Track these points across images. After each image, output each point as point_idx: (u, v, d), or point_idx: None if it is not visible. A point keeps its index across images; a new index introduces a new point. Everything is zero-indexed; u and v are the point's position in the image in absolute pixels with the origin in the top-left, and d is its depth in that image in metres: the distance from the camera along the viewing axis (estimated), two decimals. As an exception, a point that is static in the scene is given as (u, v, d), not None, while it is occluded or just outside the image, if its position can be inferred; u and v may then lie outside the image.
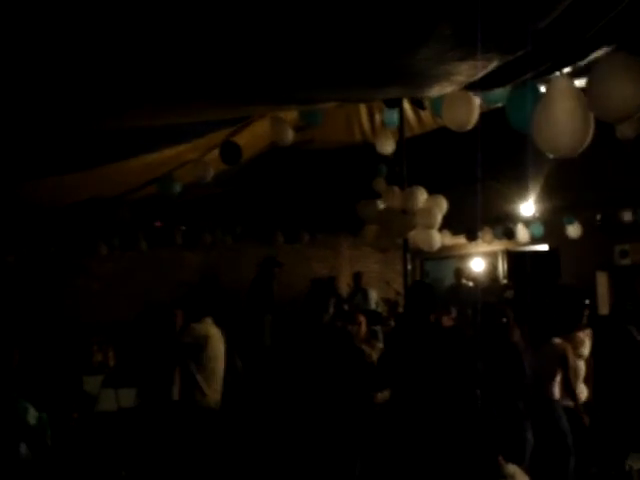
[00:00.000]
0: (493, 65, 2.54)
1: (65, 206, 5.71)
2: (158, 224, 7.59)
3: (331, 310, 4.67)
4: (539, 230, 8.67)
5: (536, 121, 2.58)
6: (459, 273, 10.26)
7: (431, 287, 4.30)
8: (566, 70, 2.65)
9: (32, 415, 3.33)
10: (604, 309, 8.26)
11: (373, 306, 8.83)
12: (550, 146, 2.61)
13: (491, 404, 3.23)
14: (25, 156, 4.00)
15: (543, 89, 2.88)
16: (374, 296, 9.28)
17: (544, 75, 2.74)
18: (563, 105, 2.47)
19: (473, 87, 2.99)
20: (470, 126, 3.52)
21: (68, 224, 6.87)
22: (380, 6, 1.96)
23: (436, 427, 3.29)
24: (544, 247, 10.16)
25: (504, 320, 4.22)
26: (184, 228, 8.59)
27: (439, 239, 4.96)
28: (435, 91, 2.99)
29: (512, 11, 2.06)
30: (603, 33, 2.27)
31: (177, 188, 5.52)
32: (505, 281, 10.68)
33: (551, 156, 2.68)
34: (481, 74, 2.67)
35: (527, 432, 3.75)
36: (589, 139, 2.52)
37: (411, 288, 4.38)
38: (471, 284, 10.18)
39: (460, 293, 9.74)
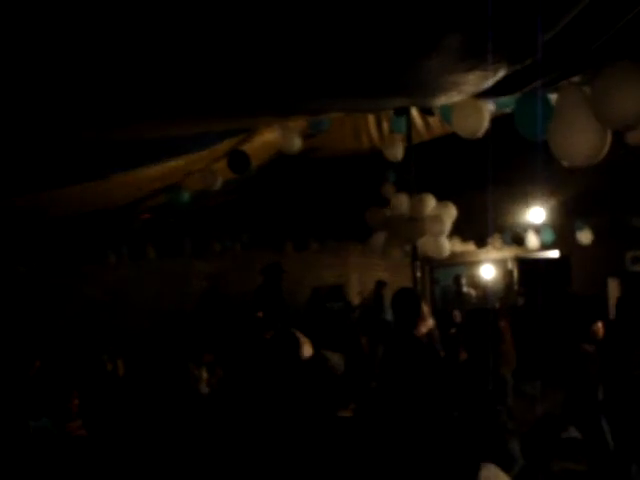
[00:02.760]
0: (501, 75, 2.53)
1: (75, 216, 5.74)
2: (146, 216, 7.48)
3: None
4: (549, 236, 8.62)
5: (551, 130, 2.57)
6: (458, 280, 10.31)
7: (415, 295, 3.87)
8: (575, 79, 2.64)
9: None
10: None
11: (390, 316, 8.76)
12: (566, 155, 2.60)
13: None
14: (35, 168, 4.03)
15: (552, 97, 2.88)
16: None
17: (553, 83, 2.72)
18: (578, 114, 2.46)
19: (481, 95, 2.97)
20: (480, 134, 3.51)
21: (77, 233, 6.90)
22: (387, 18, 1.96)
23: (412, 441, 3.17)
24: (554, 253, 10.11)
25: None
26: (172, 220, 8.40)
27: (448, 246, 4.93)
28: (443, 100, 2.99)
29: (520, 22, 2.05)
30: (611, 43, 2.25)
31: (186, 197, 5.53)
32: (516, 287, 10.66)
33: (567, 165, 2.66)
34: (489, 83, 2.66)
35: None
36: (606, 148, 2.50)
37: (394, 298, 3.80)
38: (472, 291, 10.23)
39: (462, 301, 9.78)
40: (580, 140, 2.49)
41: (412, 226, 4.67)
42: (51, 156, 3.90)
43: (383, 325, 6.98)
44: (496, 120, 3.61)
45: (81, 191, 4.78)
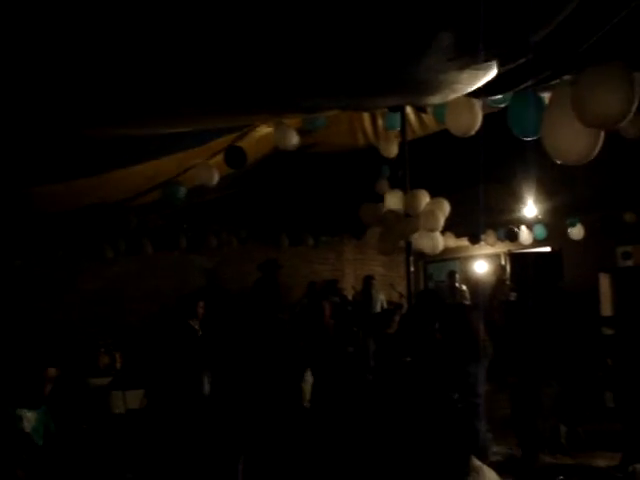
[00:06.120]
0: (494, 73, 2.55)
1: (72, 211, 5.76)
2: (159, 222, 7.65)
3: None
4: (542, 232, 8.69)
5: (545, 129, 2.61)
6: (452, 276, 10.34)
7: (436, 295, 4.08)
8: (567, 77, 2.64)
9: (27, 419, 3.25)
10: (607, 311, 8.28)
11: (379, 309, 8.82)
12: (560, 154, 2.64)
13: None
14: (33, 162, 4.03)
15: (545, 95, 2.92)
16: (381, 299, 9.26)
17: (545, 82, 2.75)
18: (570, 113, 2.47)
19: (474, 94, 3.01)
20: (473, 132, 3.55)
21: (75, 228, 6.92)
22: (380, 17, 1.98)
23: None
24: (547, 249, 10.18)
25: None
26: (186, 226, 8.61)
27: (442, 242, 4.98)
28: (436, 99, 3.01)
29: (512, 21, 2.07)
30: (601, 43, 2.28)
31: (182, 193, 5.54)
32: (508, 283, 10.72)
33: (559, 162, 2.71)
34: (482, 82, 2.68)
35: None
36: (599, 146, 2.54)
37: (418, 298, 4.04)
38: (464, 287, 10.29)
39: (454, 295, 9.82)
40: (573, 138, 2.53)
41: (406, 222, 4.72)
42: (49, 151, 3.89)
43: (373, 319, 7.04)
44: (489, 117, 3.64)
45: (78, 186, 4.79)
